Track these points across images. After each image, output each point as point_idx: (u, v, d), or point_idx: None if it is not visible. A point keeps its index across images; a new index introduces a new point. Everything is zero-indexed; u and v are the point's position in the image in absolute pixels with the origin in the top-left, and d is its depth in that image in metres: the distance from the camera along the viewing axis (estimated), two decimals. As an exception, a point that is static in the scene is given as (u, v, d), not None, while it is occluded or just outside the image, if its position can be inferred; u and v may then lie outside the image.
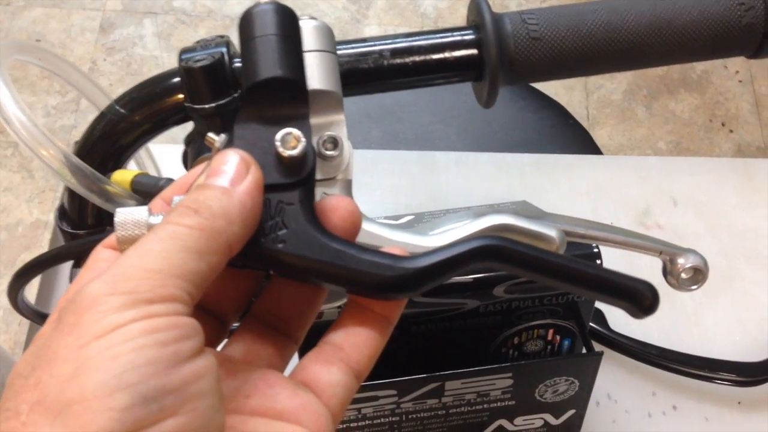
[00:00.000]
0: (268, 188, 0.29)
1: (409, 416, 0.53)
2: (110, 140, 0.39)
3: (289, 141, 0.30)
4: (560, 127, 0.93)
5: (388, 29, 1.84)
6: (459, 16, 1.86)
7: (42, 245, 1.57)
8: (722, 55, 0.39)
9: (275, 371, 0.29)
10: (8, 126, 0.35)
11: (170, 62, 1.77)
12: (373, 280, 0.29)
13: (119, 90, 0.33)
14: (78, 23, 1.86)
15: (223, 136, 0.32)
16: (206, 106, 0.36)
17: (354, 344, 0.30)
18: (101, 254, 0.29)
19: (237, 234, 0.27)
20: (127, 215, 0.28)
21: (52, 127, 1.70)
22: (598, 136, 1.68)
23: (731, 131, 1.69)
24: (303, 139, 0.30)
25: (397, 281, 0.29)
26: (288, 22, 0.32)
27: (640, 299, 0.30)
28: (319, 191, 0.35)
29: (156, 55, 1.80)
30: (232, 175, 0.28)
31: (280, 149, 0.30)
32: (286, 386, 0.28)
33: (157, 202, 0.30)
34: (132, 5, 1.88)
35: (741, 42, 0.38)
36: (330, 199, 0.31)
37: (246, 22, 0.32)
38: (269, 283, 0.32)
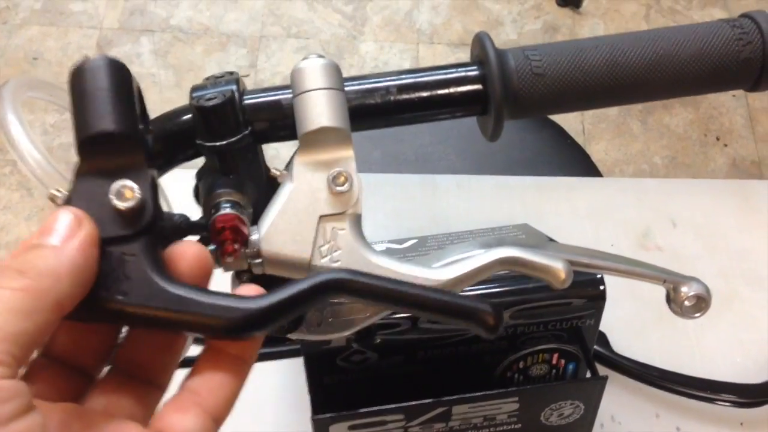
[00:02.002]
0: (109, 241, 0.30)
1: (416, 441, 0.53)
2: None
3: (124, 193, 0.31)
4: (558, 147, 0.94)
5: (384, 45, 1.85)
6: (454, 32, 1.87)
7: (41, 264, 1.57)
8: (721, 89, 0.40)
9: (132, 423, 0.30)
10: (23, 164, 0.36)
11: (167, 80, 1.78)
12: (215, 323, 0.30)
13: None
14: (75, 41, 1.86)
15: (64, 192, 0.32)
16: (217, 143, 0.36)
17: (210, 388, 0.31)
18: None
19: (66, 291, 0.28)
20: None
21: (50, 145, 1.71)
22: (594, 151, 1.69)
23: (726, 145, 1.71)
24: (138, 190, 0.31)
25: (239, 322, 0.30)
26: (118, 76, 0.33)
27: (484, 320, 0.31)
28: (328, 226, 0.36)
29: (153, 72, 1.81)
30: (63, 233, 0.28)
31: (116, 201, 0.30)
32: None
33: (5, 263, 0.31)
34: (129, 23, 1.89)
35: (740, 76, 0.39)
36: (177, 247, 0.32)
37: (76, 77, 0.32)
38: (128, 333, 0.33)
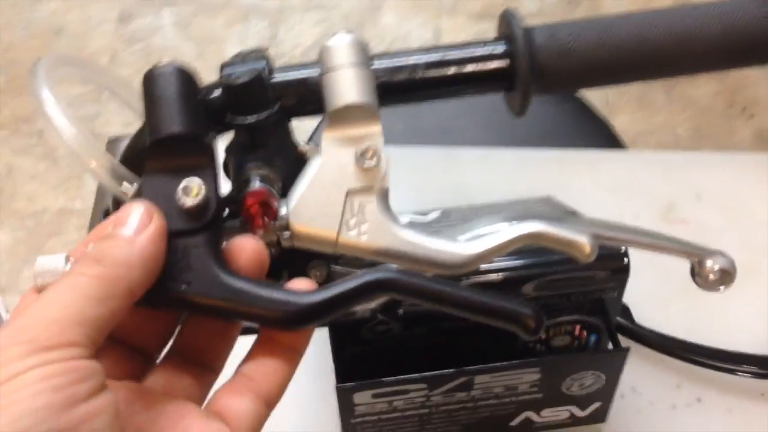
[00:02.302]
0: (175, 234, 0.32)
1: (439, 408, 0.55)
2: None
3: (191, 190, 0.33)
4: (582, 119, 0.93)
5: (404, 17, 1.84)
6: (476, 3, 1.86)
7: (68, 232, 1.59)
8: (747, 65, 0.40)
9: (190, 403, 0.32)
10: (60, 140, 0.36)
11: (189, 52, 1.79)
12: (272, 315, 0.32)
13: (139, 81, 0.35)
14: (97, 14, 1.87)
15: (135, 186, 0.35)
16: (247, 120, 0.37)
17: (264, 374, 0.33)
18: (29, 299, 0.31)
19: (138, 279, 0.30)
20: (45, 265, 0.31)
21: (75, 116, 1.72)
22: (617, 122, 1.67)
23: (751, 116, 1.69)
24: (203, 188, 0.33)
25: (295, 315, 0.32)
26: (186, 82, 0.35)
27: (526, 323, 0.33)
28: (356, 200, 0.36)
29: (175, 44, 1.81)
30: (136, 224, 0.31)
31: (182, 198, 0.32)
32: (198, 417, 0.31)
33: (80, 247, 0.32)
34: (150, -5, 1.89)
35: (767, 53, 0.39)
36: (237, 241, 0.34)
37: (148, 82, 0.35)
38: (187, 318, 0.35)
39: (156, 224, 0.31)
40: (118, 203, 0.45)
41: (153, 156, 0.34)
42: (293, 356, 0.34)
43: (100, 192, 0.78)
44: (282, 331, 0.33)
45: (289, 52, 1.80)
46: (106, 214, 0.47)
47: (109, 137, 0.74)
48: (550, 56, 0.38)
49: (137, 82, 0.36)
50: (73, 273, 0.29)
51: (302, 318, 0.32)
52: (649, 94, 1.72)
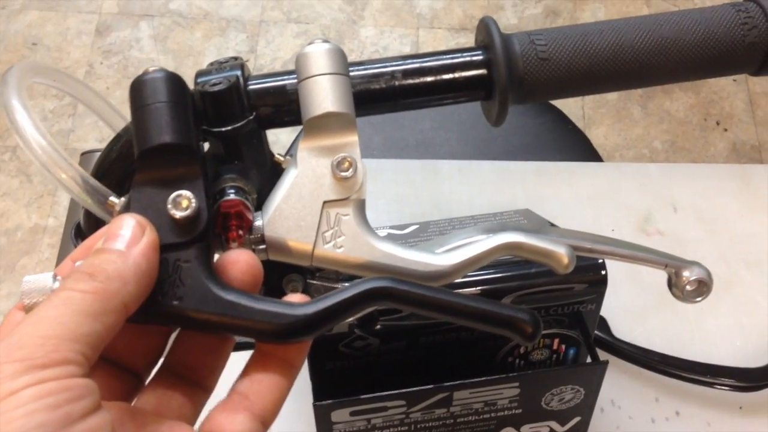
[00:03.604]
0: (165, 248, 0.31)
1: (418, 425, 0.54)
2: (126, 161, 0.40)
3: (181, 202, 0.32)
4: (559, 132, 0.94)
5: (384, 30, 1.84)
6: (454, 16, 1.87)
7: (41, 250, 1.57)
8: (725, 73, 0.40)
9: (183, 423, 0.31)
10: (29, 151, 0.35)
11: (166, 65, 1.77)
12: (266, 328, 0.31)
13: (116, 93, 0.34)
14: (74, 26, 1.85)
15: (122, 200, 0.34)
16: (222, 129, 0.36)
17: (258, 392, 0.32)
18: (15, 317, 0.30)
19: (132, 294, 0.29)
20: (32, 284, 0.30)
21: (49, 131, 1.70)
22: (594, 135, 1.69)
23: (726, 130, 1.71)
24: (194, 200, 0.32)
25: (289, 328, 0.31)
26: (176, 89, 0.34)
27: (523, 329, 0.32)
28: (332, 212, 0.36)
29: (153, 57, 1.80)
30: (128, 238, 0.30)
31: (172, 211, 0.32)
32: None
33: (67, 263, 0.32)
34: (128, 8, 1.88)
35: (744, 61, 0.39)
36: (231, 254, 0.33)
37: (136, 90, 0.33)
38: (177, 335, 0.34)
39: (148, 237, 0.30)
40: (89, 217, 0.44)
41: (141, 167, 0.33)
42: (289, 371, 0.33)
43: (73, 208, 0.77)
44: (277, 344, 0.32)
45: (269, 65, 1.80)
46: (77, 228, 0.46)
47: (83, 151, 0.73)
48: (528, 65, 0.37)
49: (114, 95, 0.35)
50: (66, 289, 0.28)
51: (297, 330, 0.31)
52: (625, 107, 1.73)
